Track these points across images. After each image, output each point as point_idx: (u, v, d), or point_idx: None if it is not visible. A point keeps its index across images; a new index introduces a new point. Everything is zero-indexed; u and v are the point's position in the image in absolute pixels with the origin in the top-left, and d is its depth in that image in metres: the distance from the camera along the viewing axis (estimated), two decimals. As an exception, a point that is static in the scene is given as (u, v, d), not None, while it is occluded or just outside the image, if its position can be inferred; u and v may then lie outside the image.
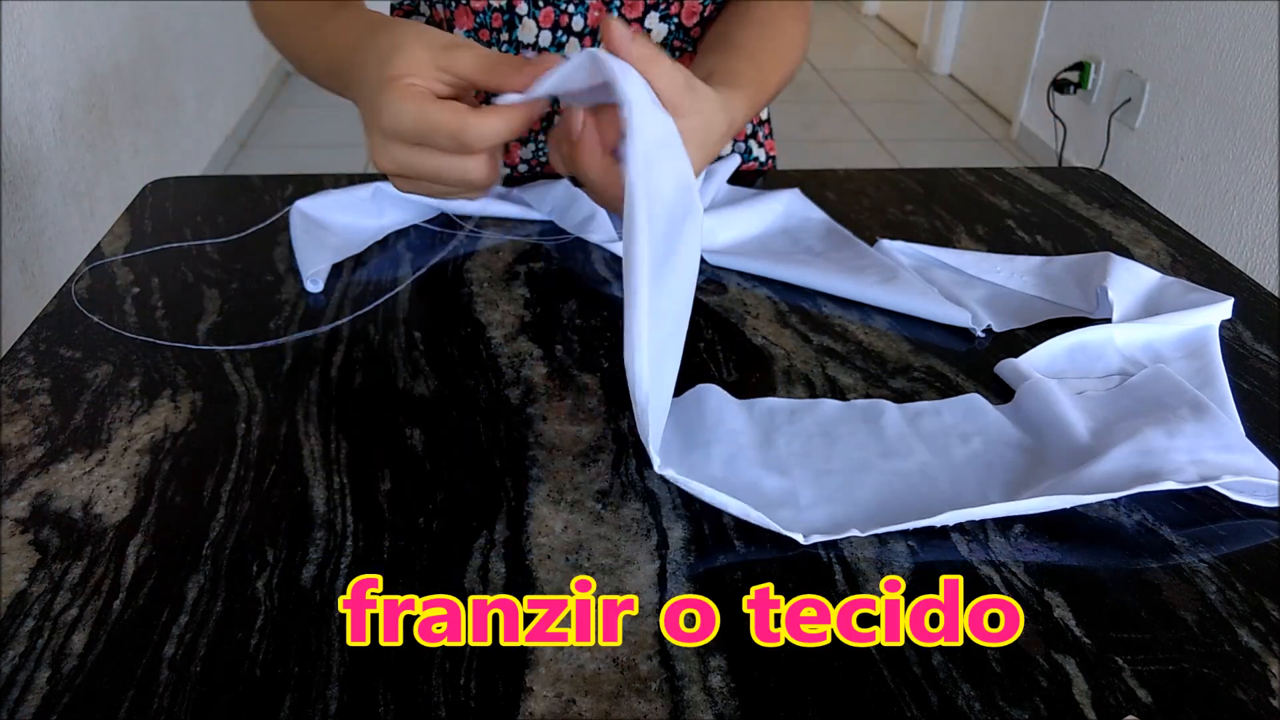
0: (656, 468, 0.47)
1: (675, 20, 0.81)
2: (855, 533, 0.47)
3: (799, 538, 0.47)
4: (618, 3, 0.80)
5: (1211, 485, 0.49)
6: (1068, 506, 0.48)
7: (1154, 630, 0.43)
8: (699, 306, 0.67)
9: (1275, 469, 0.50)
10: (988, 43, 3.67)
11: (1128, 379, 0.59)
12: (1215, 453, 0.50)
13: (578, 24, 0.80)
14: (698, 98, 0.50)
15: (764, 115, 0.96)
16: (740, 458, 0.52)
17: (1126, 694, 0.40)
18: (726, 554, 0.47)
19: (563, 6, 0.79)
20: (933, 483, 0.51)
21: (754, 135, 0.95)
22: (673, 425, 0.55)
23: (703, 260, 0.73)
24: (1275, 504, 0.50)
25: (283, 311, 0.66)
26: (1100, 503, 0.50)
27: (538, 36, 0.81)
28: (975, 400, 0.57)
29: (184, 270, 0.71)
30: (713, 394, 0.57)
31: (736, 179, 0.86)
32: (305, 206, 0.75)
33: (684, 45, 0.83)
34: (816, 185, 0.85)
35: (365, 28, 0.54)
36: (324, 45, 0.60)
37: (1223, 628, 0.43)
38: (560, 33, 0.80)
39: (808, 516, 0.49)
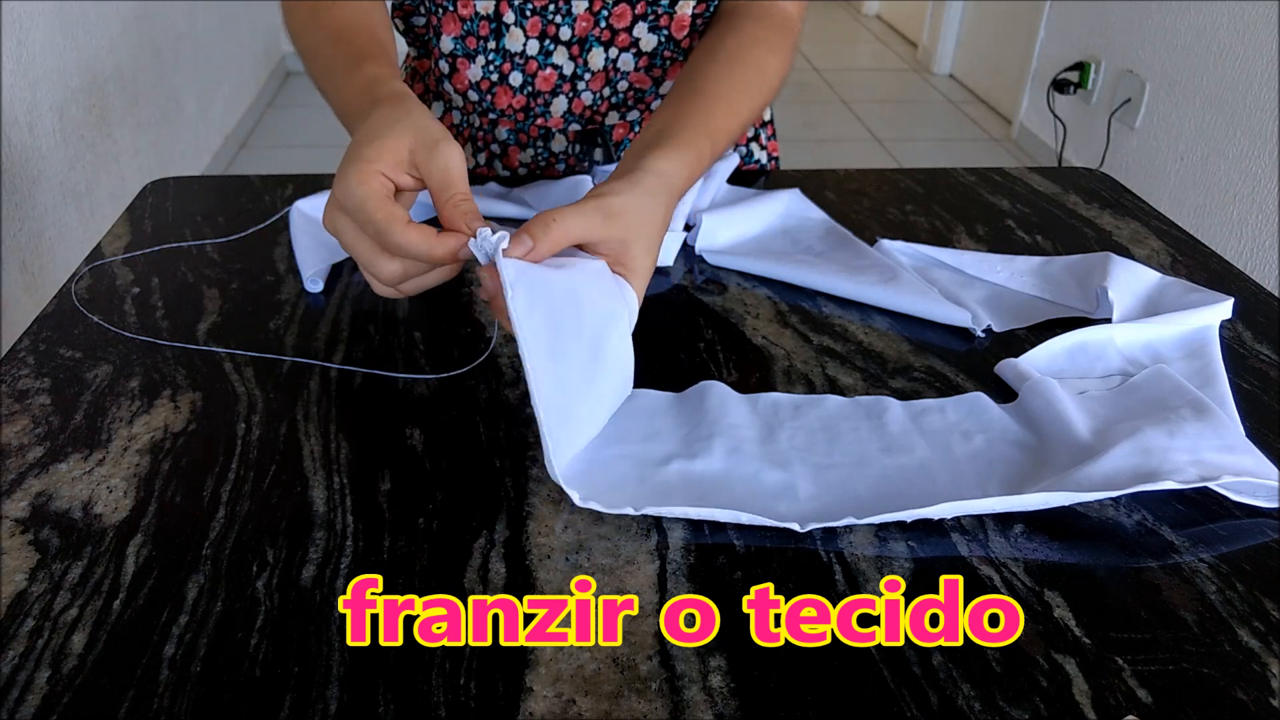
0: (578, 501, 0.48)
1: (665, 32, 0.80)
2: (852, 520, 0.47)
3: (796, 526, 0.47)
4: (605, 13, 0.78)
5: (1211, 485, 0.49)
6: (1067, 504, 0.48)
7: (1154, 630, 0.43)
8: (699, 306, 0.67)
9: (1275, 469, 0.50)
10: (988, 43, 3.67)
11: (1129, 379, 0.59)
12: (1216, 453, 0.50)
13: (565, 34, 0.79)
14: (611, 220, 0.53)
15: (766, 116, 0.96)
16: (741, 451, 0.52)
17: (1126, 694, 0.40)
18: (726, 554, 0.47)
19: (550, 16, 0.78)
20: (932, 478, 0.51)
21: (755, 138, 0.94)
22: (675, 419, 0.55)
23: (703, 260, 0.73)
24: (1275, 504, 0.50)
25: (283, 311, 0.66)
26: (1100, 502, 0.50)
27: (525, 45, 0.79)
28: (980, 399, 0.57)
29: (184, 270, 0.71)
30: (716, 388, 0.57)
31: (737, 179, 0.86)
32: (305, 206, 0.75)
33: (674, 55, 0.82)
34: (816, 185, 0.85)
35: (370, 103, 0.57)
36: (341, 92, 0.63)
37: (1223, 628, 0.43)
38: (548, 41, 0.79)
39: (806, 509, 0.49)
